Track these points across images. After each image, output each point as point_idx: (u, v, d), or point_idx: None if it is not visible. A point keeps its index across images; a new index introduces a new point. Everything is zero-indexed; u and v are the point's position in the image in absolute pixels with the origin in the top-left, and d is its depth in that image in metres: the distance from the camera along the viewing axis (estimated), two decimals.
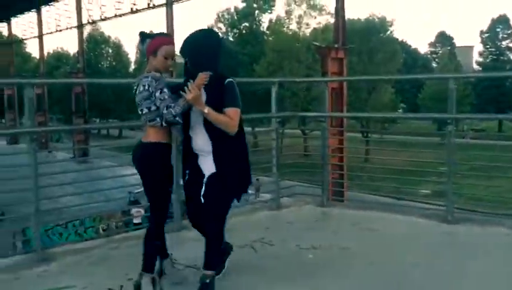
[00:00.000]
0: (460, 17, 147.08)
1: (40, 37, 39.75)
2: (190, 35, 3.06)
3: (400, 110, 53.60)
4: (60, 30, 37.70)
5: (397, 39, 52.83)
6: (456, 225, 4.64)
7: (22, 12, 40.84)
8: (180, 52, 3.06)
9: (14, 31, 45.46)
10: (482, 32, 60.24)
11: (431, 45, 68.51)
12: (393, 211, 5.30)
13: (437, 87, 45.58)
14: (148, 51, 2.98)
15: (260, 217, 5.12)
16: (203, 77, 2.89)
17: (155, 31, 3.17)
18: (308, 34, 49.30)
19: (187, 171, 3.18)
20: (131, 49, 66.30)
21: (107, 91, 50.27)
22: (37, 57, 47.71)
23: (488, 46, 59.74)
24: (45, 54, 46.33)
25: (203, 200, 3.03)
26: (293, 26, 50.92)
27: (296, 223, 4.88)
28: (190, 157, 3.12)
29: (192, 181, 3.12)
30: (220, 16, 55.10)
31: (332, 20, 30.46)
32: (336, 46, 18.48)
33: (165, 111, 2.84)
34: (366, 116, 38.60)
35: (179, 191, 3.98)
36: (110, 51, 63.82)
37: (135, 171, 3.07)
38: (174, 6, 25.64)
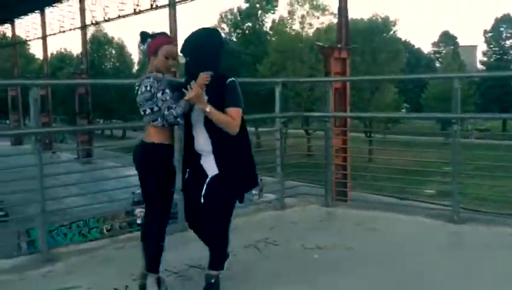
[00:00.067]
0: (464, 17, 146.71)
1: (44, 38, 39.89)
2: (191, 34, 3.03)
3: (403, 110, 53.50)
4: (64, 31, 37.85)
5: (400, 39, 52.73)
6: (462, 224, 4.63)
7: (25, 14, 41.02)
8: (181, 51, 3.04)
9: (18, 32, 45.72)
10: (485, 32, 60.13)
11: (434, 44, 68.41)
12: (398, 211, 5.30)
13: (440, 87, 45.47)
14: (149, 51, 2.98)
15: (264, 217, 5.11)
16: (204, 76, 2.88)
17: (157, 32, 3.14)
18: (311, 34, 49.28)
19: (187, 170, 3.12)
20: (134, 50, 66.34)
21: (111, 92, 50.39)
22: (41, 58, 47.81)
23: (491, 46, 59.59)
24: (49, 55, 46.45)
25: (203, 201, 2.99)
26: (296, 26, 50.94)
27: (301, 223, 4.88)
28: (192, 157, 3.07)
29: (193, 181, 3.07)
30: (223, 16, 55.19)
31: (335, 20, 30.50)
32: (339, 46, 18.45)
33: (166, 112, 2.84)
34: (370, 116, 38.51)
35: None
36: (114, 51, 63.98)
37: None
38: (177, 7, 25.68)
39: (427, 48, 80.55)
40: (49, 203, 3.93)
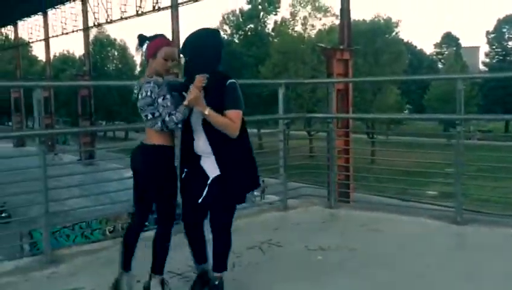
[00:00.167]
0: (466, 18, 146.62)
1: (46, 40, 40.00)
2: (191, 34, 3.02)
3: (406, 111, 53.41)
4: (66, 33, 37.97)
5: (402, 40, 52.78)
6: (465, 226, 4.63)
7: (28, 16, 41.14)
8: (181, 51, 3.03)
9: (21, 34, 45.89)
10: (488, 33, 60.09)
11: (437, 45, 68.34)
12: (401, 212, 5.30)
13: (443, 88, 45.43)
14: (148, 54, 2.95)
15: (267, 219, 5.11)
16: (200, 78, 2.85)
17: (153, 34, 3.08)
18: (313, 36, 49.37)
19: (185, 170, 3.09)
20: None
21: (113, 94, 50.48)
22: (43, 59, 48.04)
23: (494, 47, 59.55)
24: (51, 57, 46.56)
25: (204, 202, 2.99)
26: (298, 27, 51.09)
27: (304, 225, 4.88)
28: (191, 157, 3.04)
29: (193, 182, 3.04)
30: (226, 17, 55.31)
31: (337, 22, 30.52)
32: (341, 47, 18.41)
33: (167, 118, 2.83)
34: (372, 117, 38.48)
35: None
36: (116, 53, 64.18)
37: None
38: (179, 8, 25.71)
39: (429, 49, 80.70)
40: (52, 204, 3.94)
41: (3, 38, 50.01)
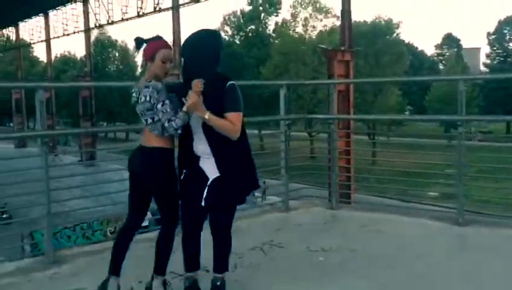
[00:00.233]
0: (467, 19, 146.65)
1: (48, 41, 40.09)
2: (190, 35, 2.99)
3: (407, 113, 53.41)
4: (67, 34, 38.02)
5: (403, 41, 52.79)
6: (466, 227, 4.63)
7: (29, 17, 41.21)
8: (180, 52, 3.01)
9: (22, 35, 45.95)
10: (489, 34, 60.12)
11: (438, 46, 68.36)
12: (402, 213, 5.30)
13: (444, 89, 45.41)
14: (145, 57, 2.93)
15: (269, 219, 5.12)
16: (197, 83, 2.82)
17: (162, 35, 3.04)
18: (314, 37, 49.36)
19: (184, 171, 3.07)
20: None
21: (114, 95, 50.50)
22: (45, 61, 48.09)
23: (495, 48, 59.56)
24: (52, 58, 46.67)
25: (204, 204, 2.98)
26: (299, 28, 51.09)
27: (305, 225, 4.88)
28: (190, 158, 3.03)
29: (192, 183, 3.03)
30: (227, 19, 55.34)
31: (338, 23, 30.50)
32: (342, 48, 18.43)
33: (166, 124, 2.82)
34: (374, 118, 38.47)
35: None
36: (117, 54, 64.21)
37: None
38: (180, 9, 25.74)
39: (430, 50, 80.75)
40: (53, 205, 3.94)
41: (5, 39, 50.05)
